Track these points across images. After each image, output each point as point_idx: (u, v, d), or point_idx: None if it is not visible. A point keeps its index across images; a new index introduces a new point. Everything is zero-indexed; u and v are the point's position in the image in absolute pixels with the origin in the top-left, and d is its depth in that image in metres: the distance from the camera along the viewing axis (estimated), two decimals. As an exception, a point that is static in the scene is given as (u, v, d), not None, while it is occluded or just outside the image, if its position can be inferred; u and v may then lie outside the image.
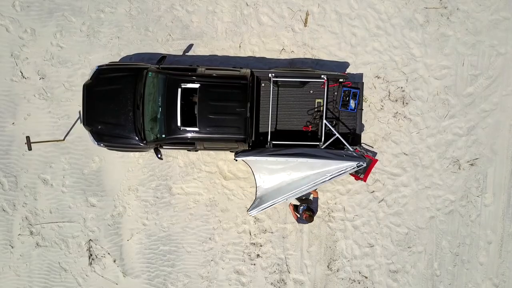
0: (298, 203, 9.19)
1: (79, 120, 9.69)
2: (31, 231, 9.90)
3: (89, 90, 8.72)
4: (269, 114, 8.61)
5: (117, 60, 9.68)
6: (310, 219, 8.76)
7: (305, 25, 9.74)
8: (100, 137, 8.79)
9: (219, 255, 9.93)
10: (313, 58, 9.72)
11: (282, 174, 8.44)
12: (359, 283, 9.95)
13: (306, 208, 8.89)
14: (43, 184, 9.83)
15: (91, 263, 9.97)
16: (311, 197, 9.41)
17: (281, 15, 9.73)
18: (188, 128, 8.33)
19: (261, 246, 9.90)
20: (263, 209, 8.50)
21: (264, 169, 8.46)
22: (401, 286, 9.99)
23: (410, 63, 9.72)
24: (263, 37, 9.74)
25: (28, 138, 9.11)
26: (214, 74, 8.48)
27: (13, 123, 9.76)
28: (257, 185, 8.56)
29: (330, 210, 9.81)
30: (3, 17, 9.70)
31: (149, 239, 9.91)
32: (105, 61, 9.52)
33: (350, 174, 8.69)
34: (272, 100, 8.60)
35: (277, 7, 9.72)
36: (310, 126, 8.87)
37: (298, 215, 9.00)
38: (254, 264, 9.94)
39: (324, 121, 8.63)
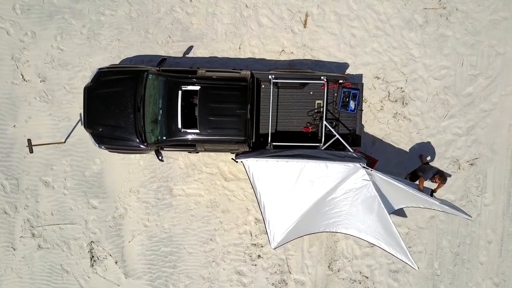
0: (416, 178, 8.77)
1: (80, 123, 9.72)
2: (32, 233, 9.93)
3: (89, 92, 8.73)
4: (269, 116, 8.62)
5: (118, 62, 9.70)
6: (443, 178, 8.43)
7: (304, 26, 9.76)
8: (101, 139, 8.79)
9: (220, 256, 9.96)
10: (313, 59, 9.74)
11: (287, 191, 8.24)
12: (360, 283, 9.98)
13: (435, 174, 8.52)
14: (44, 186, 9.86)
15: (92, 265, 9.99)
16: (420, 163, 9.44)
17: (280, 17, 9.75)
18: (188, 130, 8.35)
19: (262, 246, 9.93)
20: (287, 241, 8.53)
21: (266, 187, 8.28)
22: (401, 286, 10.02)
23: (409, 64, 9.74)
24: (262, 38, 9.76)
25: (29, 140, 9.15)
26: (214, 76, 8.50)
27: (14, 126, 9.79)
28: (263, 210, 8.40)
29: (331, 211, 9.82)
30: (3, 20, 9.72)
31: (150, 240, 9.94)
32: (105, 63, 9.54)
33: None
34: (272, 102, 8.61)
35: (276, 9, 9.74)
36: (310, 127, 8.89)
37: (436, 183, 8.51)
38: (255, 265, 9.97)
39: (324, 122, 8.65)
